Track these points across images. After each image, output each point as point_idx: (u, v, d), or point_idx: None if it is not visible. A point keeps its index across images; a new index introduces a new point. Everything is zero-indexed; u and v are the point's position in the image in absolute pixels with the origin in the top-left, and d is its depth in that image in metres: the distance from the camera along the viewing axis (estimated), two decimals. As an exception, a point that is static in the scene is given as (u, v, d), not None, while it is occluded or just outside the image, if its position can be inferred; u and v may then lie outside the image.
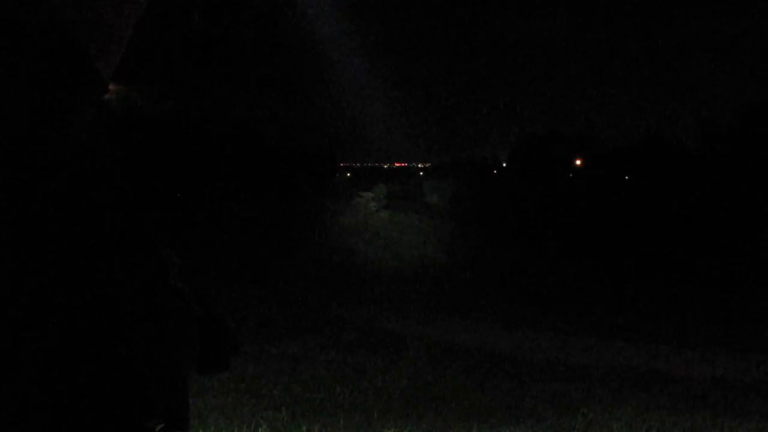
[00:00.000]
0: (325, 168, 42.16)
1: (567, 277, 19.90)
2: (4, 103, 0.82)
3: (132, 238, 0.88)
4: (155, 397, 0.85)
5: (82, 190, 0.86)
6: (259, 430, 5.47)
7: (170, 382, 0.90)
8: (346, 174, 53.34)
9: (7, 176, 0.82)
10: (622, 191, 32.26)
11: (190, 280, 0.95)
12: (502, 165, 49.74)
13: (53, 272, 0.82)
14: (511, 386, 7.85)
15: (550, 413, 6.62)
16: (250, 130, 38.47)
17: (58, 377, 0.80)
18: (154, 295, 0.87)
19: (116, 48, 0.93)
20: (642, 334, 12.31)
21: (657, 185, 30.46)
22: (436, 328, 12.06)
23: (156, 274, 0.89)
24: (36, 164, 0.84)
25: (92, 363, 0.82)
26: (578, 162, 40.85)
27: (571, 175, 39.89)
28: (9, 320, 0.79)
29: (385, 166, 65.90)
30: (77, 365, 0.81)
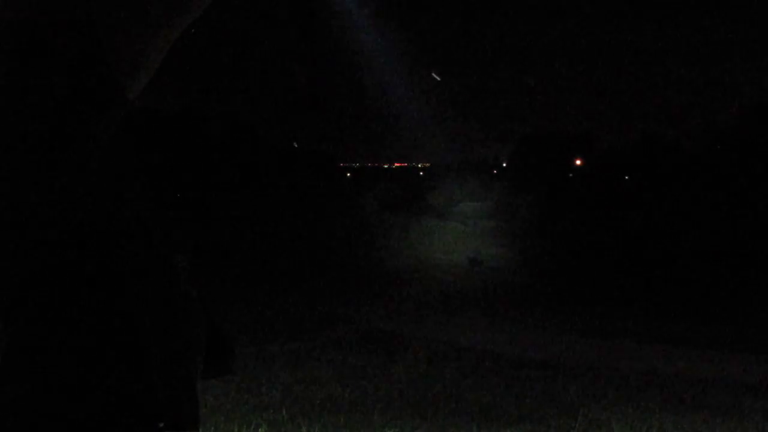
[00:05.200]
0: (324, 168, 42.13)
1: (567, 278, 19.90)
2: (32, 114, 0.83)
3: (146, 245, 0.88)
4: (165, 398, 0.85)
5: (100, 200, 0.86)
6: (259, 430, 5.47)
7: (180, 384, 0.90)
8: (346, 174, 53.33)
9: (26, 184, 0.83)
10: (622, 191, 32.25)
11: (198, 285, 0.95)
12: (502, 165, 49.75)
13: (68, 276, 0.82)
14: (511, 386, 7.85)
15: (550, 413, 6.62)
16: (248, 130, 38.48)
17: (72, 378, 0.80)
18: (166, 301, 0.88)
19: (146, 73, 0.93)
20: (642, 334, 12.31)
21: (657, 185, 30.46)
22: (436, 328, 12.07)
23: (168, 281, 0.90)
24: (56, 173, 0.84)
25: (104, 364, 0.82)
26: (578, 162, 40.85)
27: (570, 175, 39.88)
28: (25, 321, 0.80)
29: (385, 166, 65.82)
30: (90, 367, 0.81)
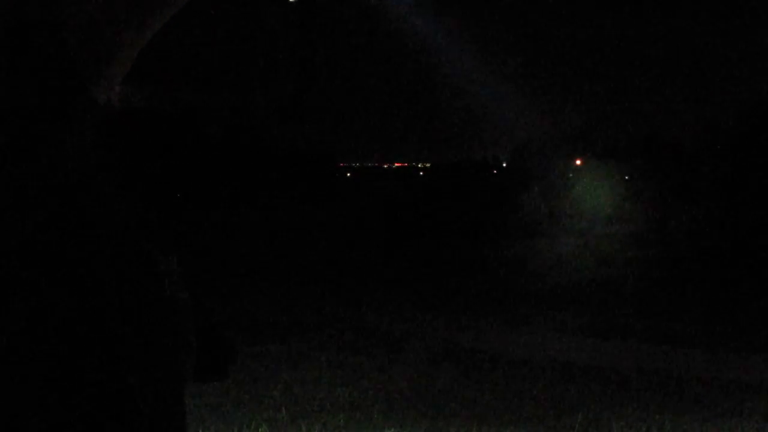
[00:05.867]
0: (324, 168, 42.14)
1: (566, 277, 19.88)
2: (1, 117, 0.82)
3: (126, 248, 0.86)
4: (147, 407, 0.83)
5: (77, 202, 0.84)
6: (259, 430, 5.48)
7: (163, 392, 0.88)
8: (346, 174, 53.34)
9: (2, 187, 0.81)
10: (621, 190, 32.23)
11: (191, 287, 0.93)
12: (502, 165, 49.69)
13: (46, 281, 0.80)
14: (511, 386, 7.85)
15: (550, 413, 6.62)
16: (247, 130, 38.49)
17: (51, 383, 0.78)
18: (146, 306, 0.85)
19: (115, 76, 0.92)
20: (642, 334, 12.30)
21: (657, 184, 30.46)
22: (436, 328, 12.05)
23: (150, 285, 0.87)
24: (30, 175, 0.83)
25: (83, 373, 0.80)
26: (578, 162, 40.82)
27: (570, 175, 39.84)
28: (2, 328, 0.78)
29: (385, 166, 65.81)
30: (69, 375, 0.79)
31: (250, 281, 16.06)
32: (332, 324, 11.62)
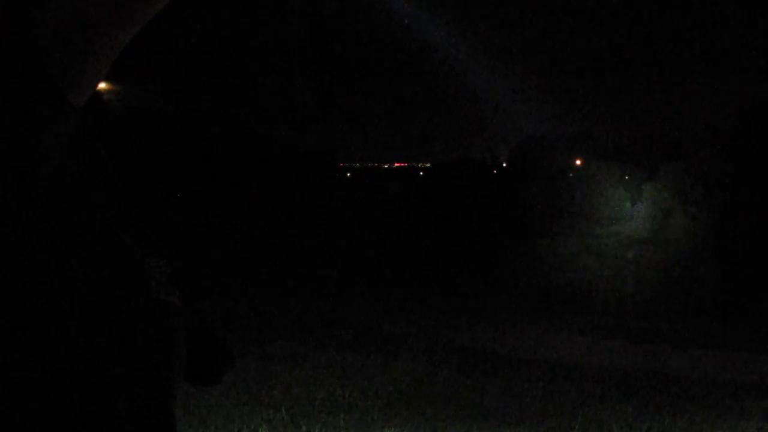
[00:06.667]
0: (323, 168, 42.14)
1: (566, 277, 19.90)
2: None
3: (109, 250, 0.83)
4: (129, 414, 0.80)
5: (56, 205, 0.82)
6: (259, 430, 5.48)
7: (148, 398, 0.84)
8: (346, 174, 53.37)
9: None
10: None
11: (183, 290, 0.91)
12: (501, 165, 49.63)
13: (23, 283, 0.77)
14: (511, 386, 7.85)
15: (550, 413, 6.62)
16: (246, 129, 38.48)
17: (23, 393, 0.75)
18: (131, 310, 0.82)
19: (92, 79, 0.90)
20: (642, 334, 12.32)
21: (657, 184, 30.45)
22: (436, 328, 12.06)
23: (136, 288, 0.84)
24: (5, 177, 0.80)
25: (59, 379, 0.76)
26: (578, 162, 40.81)
27: (570, 175, 39.83)
28: None
29: (385, 166, 65.77)
30: (44, 381, 0.76)
31: (249, 281, 16.06)
32: (332, 324, 11.63)
